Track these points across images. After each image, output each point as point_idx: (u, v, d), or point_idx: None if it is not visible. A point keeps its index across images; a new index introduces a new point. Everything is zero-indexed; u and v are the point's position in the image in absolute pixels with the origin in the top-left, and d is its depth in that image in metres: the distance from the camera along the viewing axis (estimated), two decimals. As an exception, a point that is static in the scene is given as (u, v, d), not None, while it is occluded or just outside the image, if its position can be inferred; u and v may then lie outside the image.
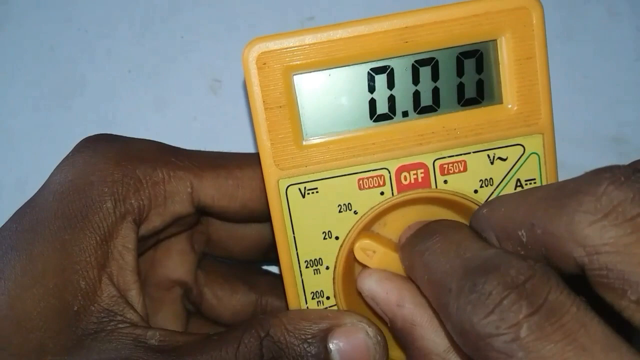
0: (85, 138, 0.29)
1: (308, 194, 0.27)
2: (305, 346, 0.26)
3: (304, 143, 0.27)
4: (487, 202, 0.25)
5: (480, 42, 0.27)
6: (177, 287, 0.32)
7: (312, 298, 0.28)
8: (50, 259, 0.26)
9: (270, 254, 0.33)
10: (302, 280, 0.28)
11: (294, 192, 0.27)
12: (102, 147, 0.29)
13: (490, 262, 0.21)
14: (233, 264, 0.34)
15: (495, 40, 0.27)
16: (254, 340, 0.26)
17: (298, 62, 0.26)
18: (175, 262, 0.32)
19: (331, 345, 0.26)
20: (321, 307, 0.28)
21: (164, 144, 0.30)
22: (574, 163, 0.35)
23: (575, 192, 0.21)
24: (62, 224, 0.27)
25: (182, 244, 0.32)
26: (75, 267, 0.26)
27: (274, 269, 0.37)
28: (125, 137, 0.30)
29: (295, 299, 0.28)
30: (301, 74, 0.26)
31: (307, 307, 0.28)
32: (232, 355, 0.25)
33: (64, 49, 0.39)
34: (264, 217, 0.29)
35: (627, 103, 0.41)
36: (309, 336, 0.26)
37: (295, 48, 0.26)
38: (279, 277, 0.34)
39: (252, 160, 0.30)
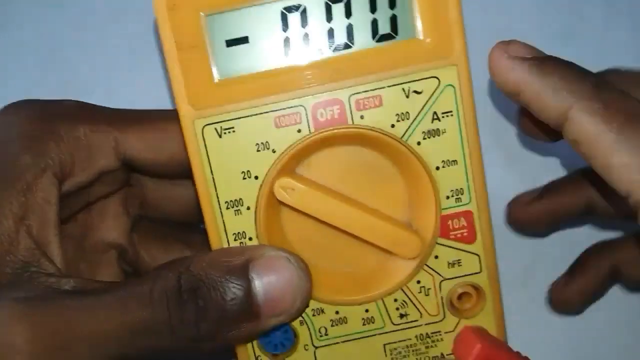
0: (8, 104, 0.30)
1: (225, 133, 0.27)
2: (227, 277, 0.25)
3: (217, 81, 0.27)
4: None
5: None
6: (112, 250, 0.32)
7: (235, 239, 0.28)
8: None
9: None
10: (224, 222, 0.27)
11: (210, 132, 0.27)
12: (22, 108, 0.29)
13: None
14: (168, 224, 0.34)
15: None
16: (172, 275, 0.25)
17: (209, 2, 0.26)
18: (109, 225, 0.32)
19: (253, 274, 0.26)
20: None
21: (87, 103, 0.30)
22: (574, 163, 0.34)
23: None
24: None
25: (115, 207, 0.32)
26: None
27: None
28: (48, 99, 0.30)
29: (218, 242, 0.28)
30: (213, 14, 0.27)
31: None
32: (147, 289, 0.25)
33: (64, 49, 0.39)
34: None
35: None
36: (230, 267, 0.26)
37: None
38: None
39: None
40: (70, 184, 0.29)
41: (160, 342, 0.25)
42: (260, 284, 0.26)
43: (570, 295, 0.35)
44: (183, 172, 0.30)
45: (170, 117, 0.30)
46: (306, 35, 0.27)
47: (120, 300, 0.25)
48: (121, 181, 0.31)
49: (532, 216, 0.35)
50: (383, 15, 0.27)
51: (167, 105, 0.38)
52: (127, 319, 0.24)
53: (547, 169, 0.39)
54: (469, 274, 0.29)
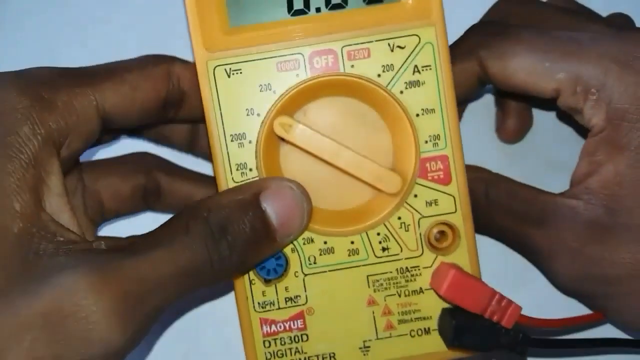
0: None
1: (233, 74, 0.31)
2: (245, 211, 0.29)
3: (230, 28, 0.31)
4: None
5: None
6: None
7: (237, 169, 0.31)
8: None
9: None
10: (228, 153, 0.31)
11: (220, 72, 0.31)
12: None
13: None
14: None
15: None
16: (200, 219, 0.28)
17: None
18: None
19: (264, 204, 0.29)
20: (245, 178, 0.32)
21: (55, 67, 0.30)
22: (574, 163, 0.35)
23: None
24: None
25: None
26: (6, 192, 0.26)
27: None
28: (14, 71, 0.29)
29: (222, 171, 0.31)
30: None
31: (232, 178, 0.32)
32: (184, 236, 0.27)
33: (64, 49, 0.41)
34: (160, 117, 0.33)
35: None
36: (244, 202, 0.29)
37: None
38: None
39: (136, 63, 0.32)
40: (68, 151, 0.29)
41: (203, 278, 0.28)
42: (272, 211, 0.29)
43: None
44: (151, 119, 0.33)
45: (131, 66, 0.32)
46: (307, -5, 0.32)
47: (167, 249, 0.27)
48: (94, 140, 0.32)
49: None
50: (373, -18, 0.32)
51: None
52: (180, 264, 0.27)
53: (547, 169, 0.41)
54: (445, 213, 0.32)
